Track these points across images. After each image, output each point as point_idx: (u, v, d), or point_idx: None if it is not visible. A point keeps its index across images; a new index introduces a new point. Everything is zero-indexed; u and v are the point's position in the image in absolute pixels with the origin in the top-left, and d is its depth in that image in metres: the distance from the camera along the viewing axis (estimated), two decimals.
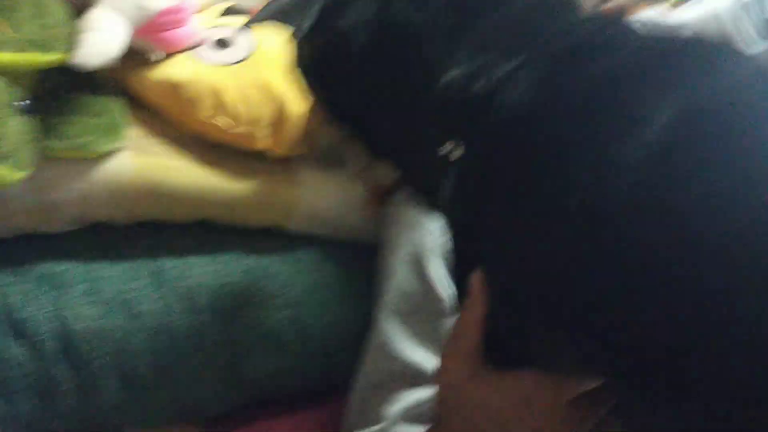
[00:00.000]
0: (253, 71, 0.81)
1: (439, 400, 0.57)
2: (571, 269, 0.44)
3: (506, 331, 0.52)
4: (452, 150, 0.51)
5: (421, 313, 0.79)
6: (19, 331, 0.72)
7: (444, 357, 0.57)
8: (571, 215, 0.42)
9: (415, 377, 0.77)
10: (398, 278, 0.81)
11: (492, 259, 0.51)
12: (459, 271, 0.56)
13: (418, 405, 0.76)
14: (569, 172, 0.43)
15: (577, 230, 0.43)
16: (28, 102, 0.69)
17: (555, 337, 0.47)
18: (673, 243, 0.39)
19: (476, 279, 0.53)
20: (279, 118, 0.80)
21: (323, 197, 0.86)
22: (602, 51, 0.46)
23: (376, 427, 0.76)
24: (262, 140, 0.80)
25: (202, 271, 0.80)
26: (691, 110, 0.41)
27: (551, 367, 0.50)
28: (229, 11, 0.89)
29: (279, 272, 0.83)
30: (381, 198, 0.88)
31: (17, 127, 0.67)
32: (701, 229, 0.39)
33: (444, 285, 0.78)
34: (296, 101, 0.80)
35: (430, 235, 0.81)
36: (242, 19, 0.85)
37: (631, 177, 0.40)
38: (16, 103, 0.68)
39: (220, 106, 0.78)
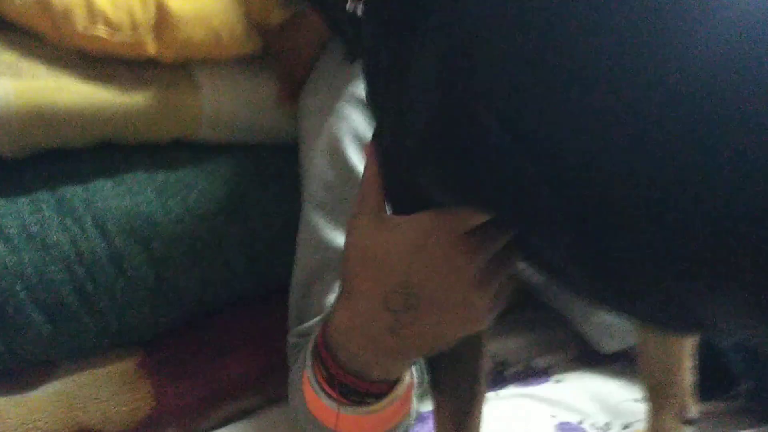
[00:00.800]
0: None
1: (345, 263, 0.55)
2: (447, 103, 0.42)
3: (402, 177, 0.51)
4: (356, 6, 0.56)
5: (345, 201, 0.77)
6: None
7: (350, 219, 0.55)
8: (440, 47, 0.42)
9: None
10: (318, 169, 0.79)
11: (385, 105, 0.51)
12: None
13: None
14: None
15: (450, 64, 0.41)
16: None
17: (442, 175, 0.46)
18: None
19: (369, 143, 0.54)
20: (160, 19, 0.75)
21: (229, 100, 0.82)
22: None
23: (320, 317, 0.75)
24: (148, 45, 0.76)
25: (110, 194, 0.76)
26: None
27: (446, 203, 0.48)
28: None
29: (194, 184, 0.80)
30: (292, 92, 0.84)
31: None
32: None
33: (358, 165, 0.76)
34: (178, 3, 0.76)
35: (344, 122, 0.78)
36: None
37: None
38: None
39: (94, 14, 0.73)
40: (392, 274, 0.51)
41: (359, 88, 0.78)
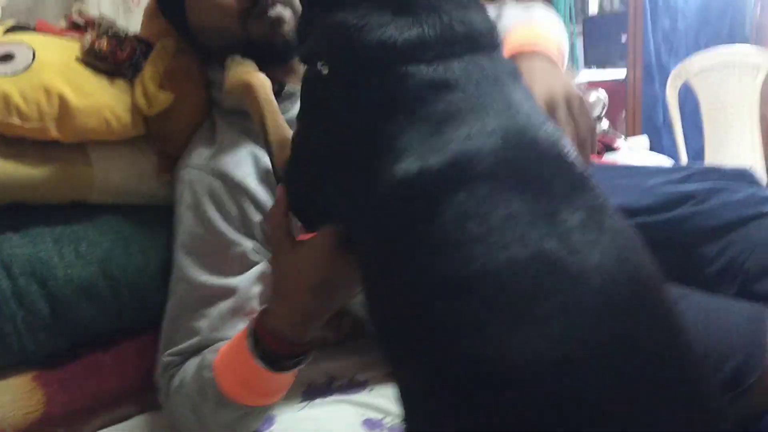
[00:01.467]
0: (35, 77, 0.98)
1: (271, 284, 0.85)
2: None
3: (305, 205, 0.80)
4: (322, 66, 0.71)
5: (207, 246, 1.00)
6: None
7: (271, 244, 0.84)
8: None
9: (211, 297, 0.99)
10: (185, 223, 1.02)
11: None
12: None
13: (221, 317, 0.98)
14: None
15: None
16: None
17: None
18: None
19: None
20: (62, 111, 0.98)
21: (116, 172, 1.05)
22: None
23: (194, 340, 0.98)
24: (51, 131, 0.99)
25: (16, 244, 0.98)
26: None
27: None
28: (13, 28, 1.07)
29: (85, 236, 1.03)
30: (169, 165, 1.08)
31: None
32: None
33: (219, 220, 1.00)
34: (76, 98, 0.99)
35: (201, 186, 1.01)
36: (23, 35, 1.03)
37: None
38: None
39: (10, 107, 0.96)
40: (306, 277, 0.79)
41: (219, 162, 1.02)
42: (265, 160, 1.00)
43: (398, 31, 0.64)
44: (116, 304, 1.04)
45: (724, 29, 3.10)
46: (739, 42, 3.08)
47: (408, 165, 0.61)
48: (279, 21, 1.03)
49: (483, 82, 0.63)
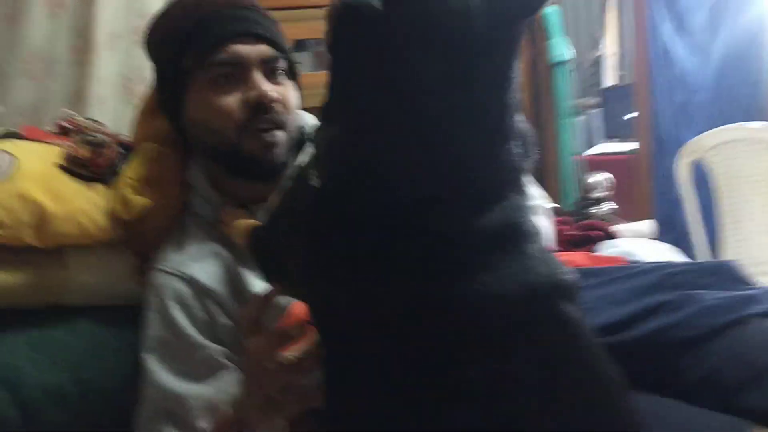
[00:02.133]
0: (15, 186, 1.02)
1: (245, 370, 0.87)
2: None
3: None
4: (315, 177, 0.71)
5: (175, 350, 1.00)
6: None
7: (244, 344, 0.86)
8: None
9: (180, 402, 0.98)
10: (153, 326, 1.02)
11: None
12: None
13: (190, 422, 0.97)
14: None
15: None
16: None
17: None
18: None
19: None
20: (39, 218, 1.01)
21: (90, 275, 1.07)
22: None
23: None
24: (28, 238, 1.01)
25: None
26: None
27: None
28: (3, 136, 1.11)
29: (58, 340, 1.04)
30: (143, 267, 1.10)
31: None
32: None
33: (187, 325, 1.00)
34: (53, 205, 1.02)
35: (169, 290, 1.02)
36: (8, 143, 1.07)
37: None
38: None
39: None
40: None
41: (186, 266, 1.03)
42: (231, 264, 1.02)
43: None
44: (87, 409, 1.04)
45: (740, 103, 3.08)
46: (755, 115, 3.05)
47: None
48: (273, 144, 1.04)
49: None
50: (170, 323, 1.01)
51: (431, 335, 0.64)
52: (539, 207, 1.18)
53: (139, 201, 1.06)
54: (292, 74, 1.11)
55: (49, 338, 1.04)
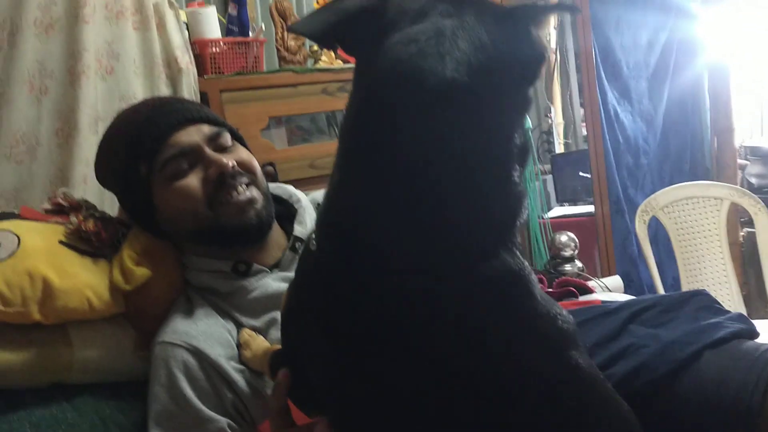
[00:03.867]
0: (19, 264, 1.02)
1: None
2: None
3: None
4: (312, 242, 0.71)
5: (183, 425, 1.00)
6: None
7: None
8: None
9: None
10: (160, 400, 1.02)
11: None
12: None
13: None
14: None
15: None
16: None
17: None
18: None
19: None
20: (45, 293, 1.01)
21: (95, 351, 1.07)
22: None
23: None
24: (34, 314, 1.01)
25: None
26: None
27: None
28: (1, 216, 1.12)
29: (64, 418, 1.02)
30: (146, 341, 1.10)
31: None
32: None
33: (194, 398, 1.00)
34: (59, 280, 1.03)
35: (175, 362, 1.02)
36: (8, 223, 1.08)
37: None
38: None
39: None
40: None
41: (193, 339, 1.04)
42: (236, 338, 1.05)
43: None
44: None
45: (685, 163, 3.26)
46: (700, 173, 3.23)
47: None
48: (250, 202, 1.08)
49: None
50: (177, 395, 1.01)
51: (443, 405, 0.63)
52: None
53: (140, 271, 1.08)
54: (239, 140, 1.16)
55: (54, 417, 1.02)
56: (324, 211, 0.71)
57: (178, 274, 1.14)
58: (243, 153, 1.13)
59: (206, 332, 1.05)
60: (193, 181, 1.06)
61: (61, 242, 1.08)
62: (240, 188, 1.08)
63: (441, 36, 0.61)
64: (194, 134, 1.08)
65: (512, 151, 0.65)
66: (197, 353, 1.03)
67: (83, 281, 1.06)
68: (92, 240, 1.09)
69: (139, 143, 1.08)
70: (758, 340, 0.93)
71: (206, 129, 1.10)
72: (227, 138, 1.12)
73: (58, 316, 1.04)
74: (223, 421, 1.00)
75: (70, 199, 1.19)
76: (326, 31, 0.66)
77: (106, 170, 1.16)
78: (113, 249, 1.11)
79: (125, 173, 1.10)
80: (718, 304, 1.04)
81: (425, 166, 0.61)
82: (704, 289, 1.09)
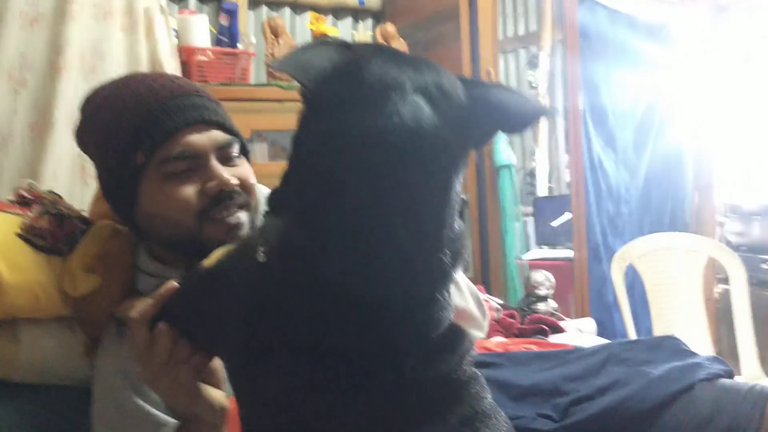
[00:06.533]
0: None
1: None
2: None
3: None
4: (260, 253, 0.71)
5: (122, 421, 0.95)
6: None
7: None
8: None
9: None
10: (100, 408, 0.97)
11: None
12: None
13: None
14: None
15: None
16: None
17: None
18: None
19: None
20: None
21: (43, 350, 1.02)
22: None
23: None
24: None
25: None
26: None
27: None
28: None
29: (6, 418, 0.98)
30: (94, 347, 1.05)
31: None
32: None
33: (129, 395, 0.95)
34: (9, 274, 0.98)
35: (118, 375, 0.97)
36: None
37: None
38: None
39: None
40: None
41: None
42: None
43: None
44: None
45: (666, 215, 3.28)
46: (679, 227, 3.24)
47: None
48: (237, 226, 1.00)
49: None
50: (118, 403, 0.96)
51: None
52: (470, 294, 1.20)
53: (88, 280, 1.01)
54: (244, 152, 1.07)
55: None
56: (283, 233, 0.70)
57: (128, 283, 1.06)
58: (245, 170, 1.05)
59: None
60: (189, 190, 0.98)
61: (18, 235, 1.04)
62: (233, 209, 1.00)
63: (420, 110, 0.64)
64: (205, 139, 0.99)
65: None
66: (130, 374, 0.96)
67: (34, 278, 1.01)
68: (46, 238, 1.04)
69: (146, 131, 0.98)
70: None
71: (219, 136, 1.01)
72: (235, 149, 1.03)
73: (5, 311, 0.99)
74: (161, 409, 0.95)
75: (35, 191, 1.15)
76: (318, 82, 0.66)
77: (96, 138, 1.04)
78: (70, 247, 1.06)
79: (120, 155, 0.99)
80: (687, 347, 1.07)
81: (384, 212, 0.64)
82: (673, 334, 1.11)
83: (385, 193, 0.63)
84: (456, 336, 0.70)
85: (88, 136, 1.06)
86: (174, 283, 0.81)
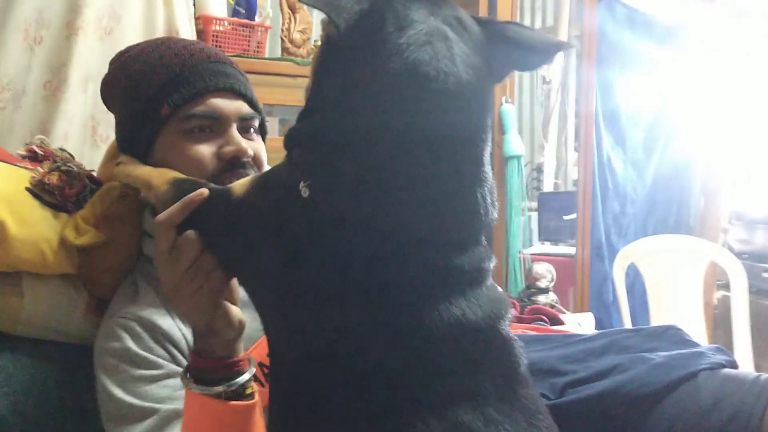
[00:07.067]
0: None
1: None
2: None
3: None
4: (305, 188, 0.69)
5: (127, 371, 0.93)
6: None
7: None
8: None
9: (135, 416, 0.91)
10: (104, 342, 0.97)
11: None
12: None
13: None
14: None
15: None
16: None
17: None
18: None
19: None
20: (1, 241, 0.97)
21: (45, 307, 1.03)
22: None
23: None
24: None
25: None
26: None
27: None
28: None
29: (4, 367, 0.98)
30: (97, 307, 1.05)
31: None
32: None
33: (139, 349, 0.94)
34: (16, 228, 0.98)
35: (124, 328, 0.96)
36: None
37: None
38: None
39: None
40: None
41: (144, 312, 0.97)
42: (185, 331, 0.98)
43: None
44: None
45: (671, 218, 3.27)
46: (684, 230, 3.23)
47: None
48: None
49: None
50: (126, 354, 0.95)
51: (410, 357, 0.65)
52: None
53: (91, 233, 1.03)
54: (262, 132, 1.13)
55: None
56: (331, 168, 0.69)
57: (134, 246, 1.08)
58: (261, 146, 1.09)
59: (156, 311, 0.99)
60: (205, 150, 1.01)
61: (27, 189, 1.04)
62: (245, 169, 1.03)
63: (448, 40, 0.67)
64: (231, 106, 1.04)
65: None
66: (148, 324, 0.97)
67: (40, 233, 1.01)
68: (56, 194, 1.04)
69: (177, 87, 1.02)
70: None
71: (244, 108, 1.06)
72: (255, 125, 1.08)
73: (10, 264, 1.00)
74: (172, 366, 0.95)
75: (46, 147, 1.15)
76: (348, 19, 0.66)
77: (126, 84, 1.06)
78: (78, 206, 1.06)
79: (146, 104, 1.03)
80: (689, 337, 1.07)
81: (434, 150, 0.65)
82: (675, 324, 1.11)
83: (431, 124, 0.65)
84: (499, 294, 0.71)
85: (116, 82, 1.09)
86: (205, 191, 0.80)
